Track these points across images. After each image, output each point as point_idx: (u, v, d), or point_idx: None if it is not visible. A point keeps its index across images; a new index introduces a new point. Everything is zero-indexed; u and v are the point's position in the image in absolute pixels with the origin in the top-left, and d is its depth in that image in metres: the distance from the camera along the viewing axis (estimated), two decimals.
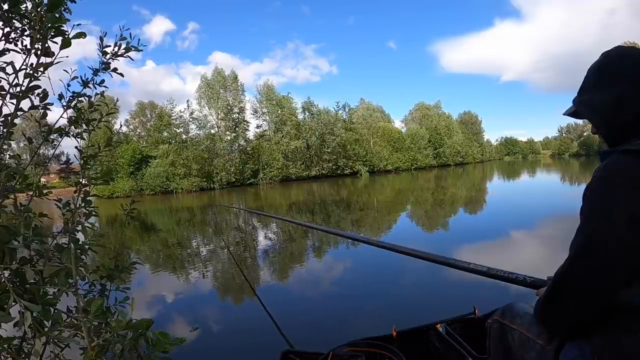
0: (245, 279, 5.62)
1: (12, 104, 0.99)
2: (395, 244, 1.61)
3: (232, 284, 6.03)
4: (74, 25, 1.00)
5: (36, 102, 1.02)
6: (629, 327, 0.80)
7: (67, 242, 1.03)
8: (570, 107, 1.04)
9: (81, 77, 1.14)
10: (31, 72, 0.98)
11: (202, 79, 42.84)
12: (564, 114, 1.07)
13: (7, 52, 0.99)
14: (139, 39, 1.14)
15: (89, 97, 1.16)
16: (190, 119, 41.11)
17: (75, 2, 1.04)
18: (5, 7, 0.96)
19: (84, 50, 1.18)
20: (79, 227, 1.09)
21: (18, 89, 0.98)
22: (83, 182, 1.15)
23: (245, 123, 43.65)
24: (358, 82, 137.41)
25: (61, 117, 1.13)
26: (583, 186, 0.87)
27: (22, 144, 25.47)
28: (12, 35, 1.01)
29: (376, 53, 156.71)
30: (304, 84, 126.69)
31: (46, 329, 0.82)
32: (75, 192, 1.14)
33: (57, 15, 0.96)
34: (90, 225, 1.13)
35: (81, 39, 1.02)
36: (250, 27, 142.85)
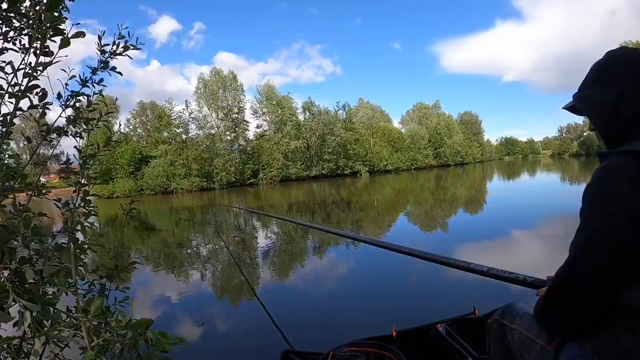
0: (245, 279, 5.62)
1: (11, 103, 0.99)
2: (395, 243, 1.61)
3: (232, 284, 6.03)
4: (72, 24, 1.00)
5: (35, 101, 1.02)
6: (629, 326, 0.80)
7: (66, 242, 1.03)
8: (570, 101, 1.04)
9: (79, 76, 1.14)
10: (30, 71, 0.98)
11: (200, 79, 42.87)
12: (563, 107, 1.08)
13: (6, 52, 0.99)
14: (137, 38, 1.14)
15: (88, 96, 1.16)
16: (190, 119, 41.19)
17: (73, 1, 1.04)
18: (4, 6, 0.96)
19: (89, 50, 1.17)
20: (79, 227, 1.09)
21: (17, 88, 0.98)
22: (82, 181, 1.15)
23: (245, 123, 43.65)
24: (361, 83, 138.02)
25: (60, 116, 1.13)
26: (582, 186, 0.87)
27: (21, 144, 25.45)
28: (11, 34, 1.01)
29: (380, 53, 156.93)
30: (308, 84, 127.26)
31: (46, 329, 0.82)
32: (74, 191, 1.14)
33: (56, 14, 0.96)
34: (89, 225, 1.13)
35: (83, 38, 1.02)
36: (256, 28, 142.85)
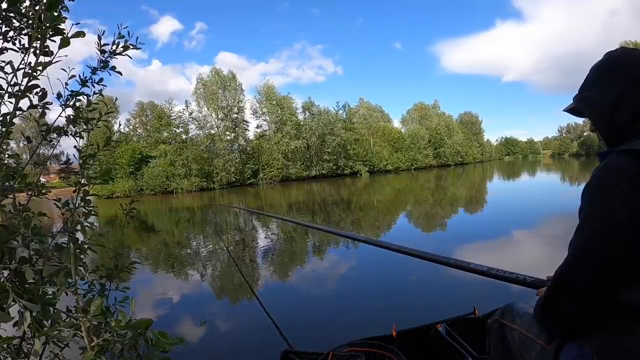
0: (244, 279, 5.61)
1: (11, 103, 0.99)
2: (395, 243, 1.61)
3: (232, 284, 6.03)
4: (73, 24, 1.00)
5: (35, 101, 1.02)
6: (629, 326, 0.80)
7: (66, 242, 1.03)
8: (571, 103, 1.04)
9: (79, 76, 1.14)
10: (30, 71, 0.98)
11: (199, 79, 42.82)
12: (563, 110, 1.08)
13: (6, 51, 0.99)
14: (137, 37, 1.14)
15: (88, 95, 1.16)
16: (190, 119, 41.20)
17: (73, 1, 1.04)
18: (4, 6, 0.96)
19: (90, 49, 1.17)
20: (79, 227, 1.09)
21: (17, 88, 0.98)
22: (82, 181, 1.15)
23: (244, 123, 43.64)
24: (362, 83, 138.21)
25: (59, 116, 1.13)
26: (582, 186, 0.87)
27: (21, 144, 25.43)
28: (11, 33, 1.00)
29: (381, 53, 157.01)
30: (308, 84, 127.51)
31: (46, 329, 0.82)
32: (74, 191, 1.13)
33: (56, 14, 0.96)
34: (89, 225, 1.13)
35: (84, 38, 1.02)
36: (258, 28, 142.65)
